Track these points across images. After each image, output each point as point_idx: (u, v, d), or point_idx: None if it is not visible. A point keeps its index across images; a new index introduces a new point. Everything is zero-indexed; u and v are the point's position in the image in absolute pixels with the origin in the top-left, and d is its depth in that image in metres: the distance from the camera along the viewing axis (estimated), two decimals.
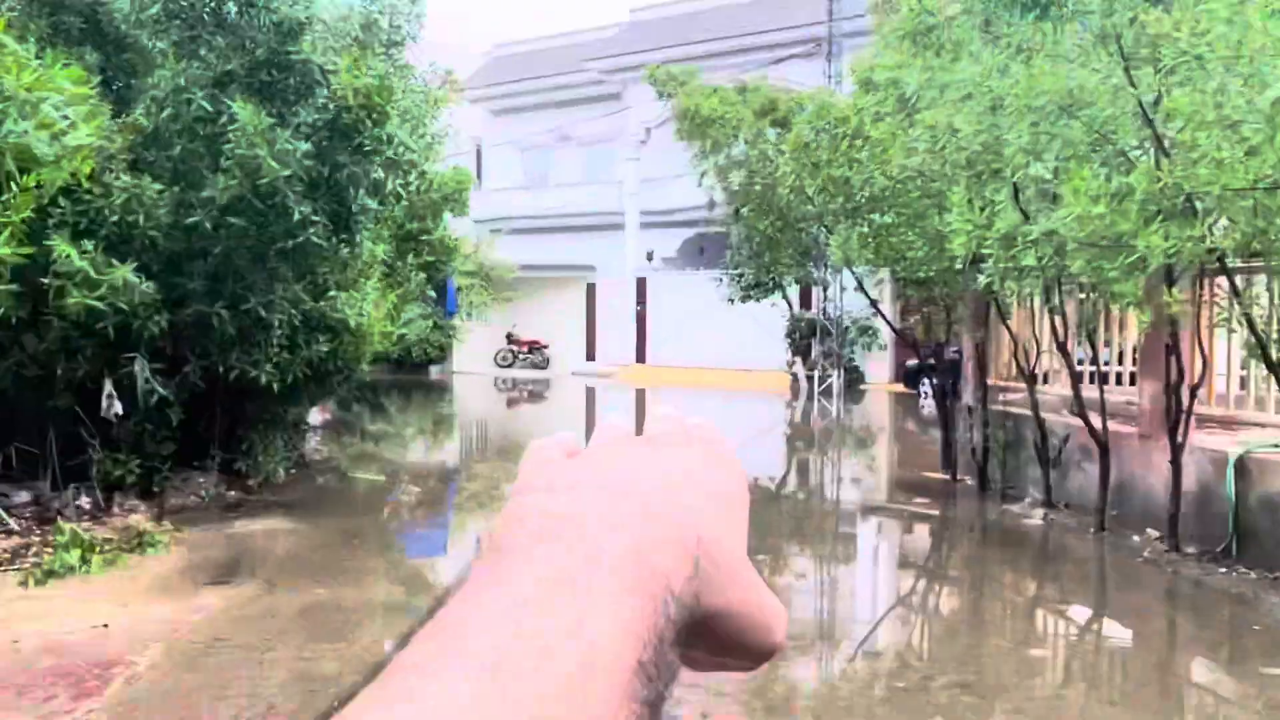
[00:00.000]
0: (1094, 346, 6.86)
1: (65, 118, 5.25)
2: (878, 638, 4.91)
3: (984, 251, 5.18)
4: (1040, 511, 7.57)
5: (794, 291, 23.83)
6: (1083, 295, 7.13)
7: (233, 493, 7.72)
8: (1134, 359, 7.38)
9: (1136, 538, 6.50)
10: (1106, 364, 7.73)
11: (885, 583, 6.22)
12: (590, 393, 22.77)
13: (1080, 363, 7.64)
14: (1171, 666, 4.49)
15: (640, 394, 22.32)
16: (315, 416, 12.58)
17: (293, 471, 9.08)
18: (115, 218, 6.30)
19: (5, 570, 5.36)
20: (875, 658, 4.57)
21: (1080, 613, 5.20)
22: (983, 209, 5.01)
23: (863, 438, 14.72)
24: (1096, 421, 6.77)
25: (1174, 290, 4.81)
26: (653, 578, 0.30)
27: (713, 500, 0.35)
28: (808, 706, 3.83)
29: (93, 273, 5.91)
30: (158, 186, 6.58)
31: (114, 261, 6.14)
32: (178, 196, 6.71)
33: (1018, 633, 5.00)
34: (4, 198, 4.82)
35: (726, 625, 0.32)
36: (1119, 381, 7.80)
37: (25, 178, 4.81)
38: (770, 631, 0.34)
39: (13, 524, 6.02)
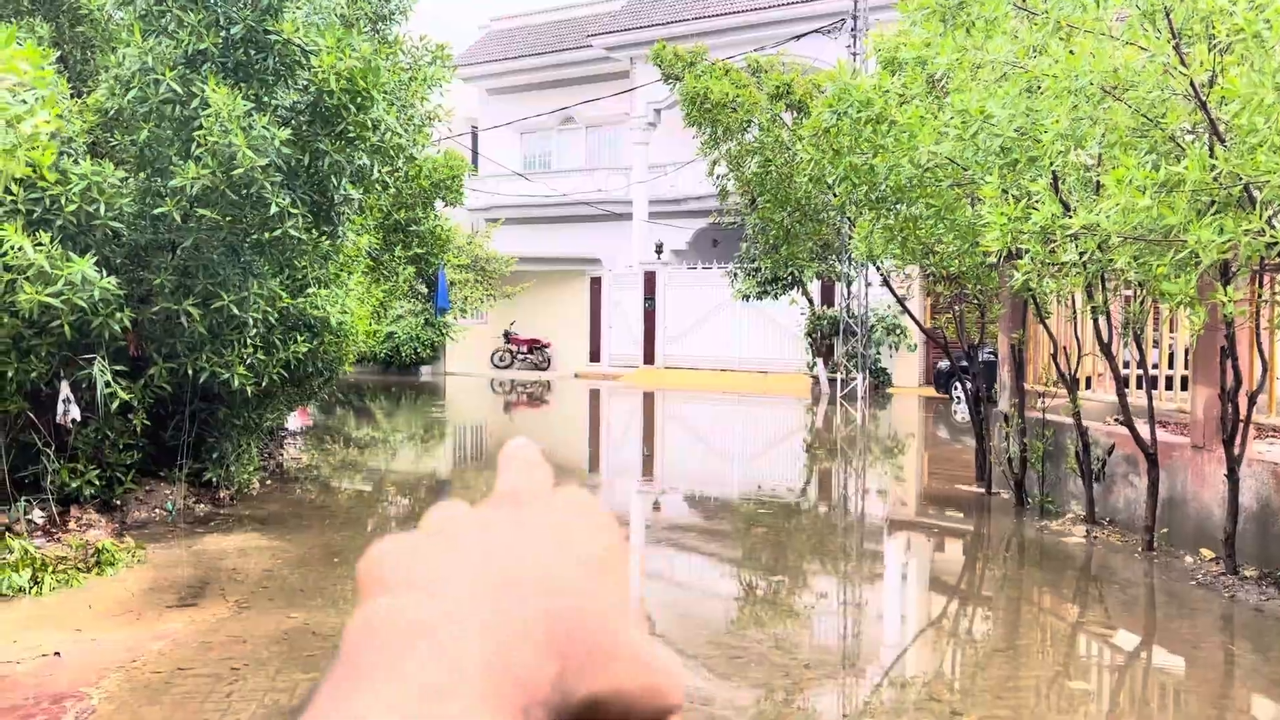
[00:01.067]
0: (1141, 349, 6.79)
1: (23, 101, 5.21)
2: (902, 666, 4.84)
3: (1020, 246, 5.11)
4: (1082, 529, 7.50)
5: (815, 287, 23.77)
6: (1129, 293, 7.06)
7: (202, 505, 7.70)
8: (1185, 362, 7.30)
9: (1189, 558, 6.42)
10: (1155, 368, 7.65)
11: (911, 605, 6.16)
12: (595, 396, 22.73)
13: (1126, 366, 7.57)
14: (1228, 701, 4.41)
15: (649, 397, 22.27)
16: (294, 422, 12.56)
17: (269, 482, 9.06)
18: (73, 207, 6.27)
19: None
20: (899, 688, 4.51)
21: (1127, 641, 5.13)
22: (1018, 200, 4.94)
23: (889, 446, 14.65)
24: (1144, 430, 6.70)
25: (1229, 288, 4.74)
26: (515, 690, 0.29)
27: (583, 568, 0.34)
28: None
29: (48, 266, 5.88)
30: (121, 174, 6.55)
31: (72, 255, 6.11)
32: (143, 185, 6.68)
33: (1057, 663, 4.93)
34: None
35: (611, 705, 0.32)
36: (1169, 386, 7.72)
37: None
38: (663, 695, 0.33)
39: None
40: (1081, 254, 4.76)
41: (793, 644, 5.08)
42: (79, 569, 5.71)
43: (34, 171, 5.50)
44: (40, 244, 5.96)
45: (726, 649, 4.99)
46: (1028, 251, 5.05)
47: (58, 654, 4.42)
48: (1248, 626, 5.37)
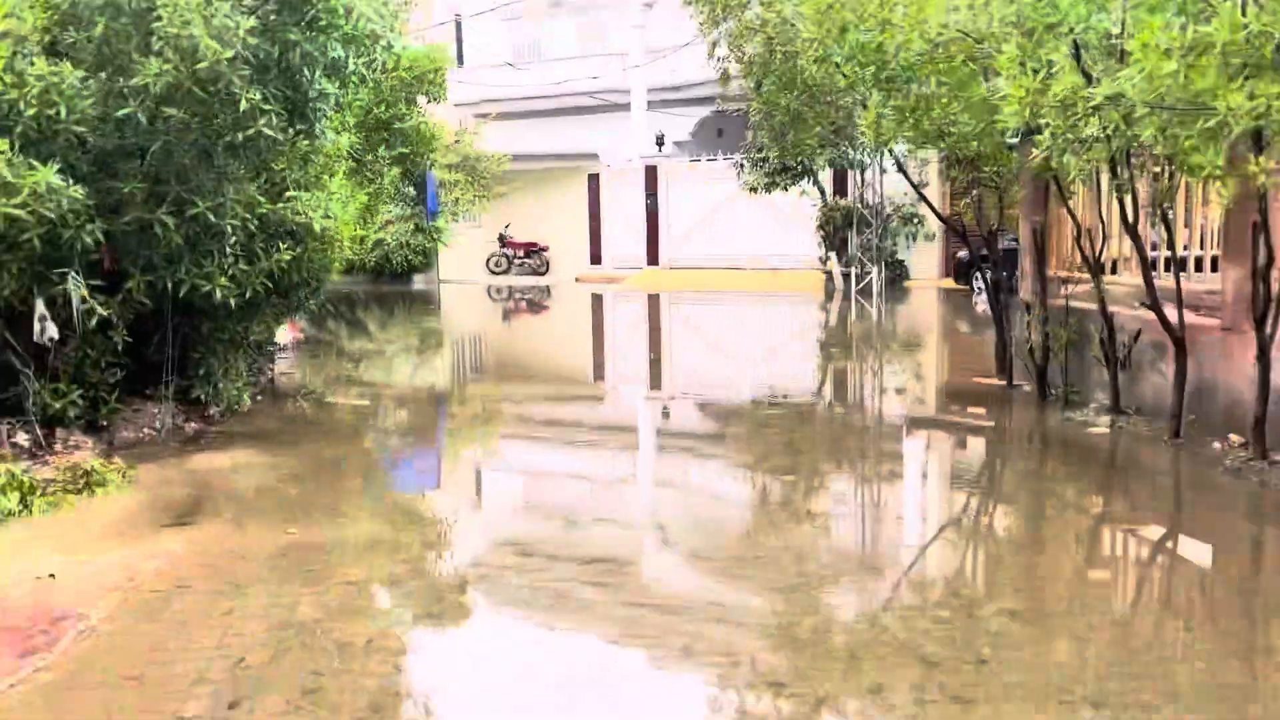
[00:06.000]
0: (1169, 229, 6.76)
1: None
2: (920, 564, 4.96)
3: (1039, 122, 5.06)
4: (1107, 418, 7.57)
5: (826, 176, 23.55)
6: (1157, 169, 7.00)
7: (191, 424, 7.80)
8: (1216, 242, 7.27)
9: (1217, 445, 6.50)
10: (1185, 248, 7.62)
11: (928, 504, 6.27)
12: (597, 301, 22.75)
13: (1155, 248, 7.55)
14: (1257, 588, 4.51)
15: (654, 300, 22.28)
16: (284, 335, 12.62)
17: (260, 398, 9.16)
18: (32, 111, 6.22)
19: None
20: (917, 585, 4.62)
21: (1152, 530, 5.23)
22: (1036, 72, 4.87)
23: (907, 341, 14.70)
24: (1172, 314, 6.71)
25: (1261, 158, 4.70)
26: None
27: None
28: (838, 639, 3.88)
29: (9, 176, 5.86)
30: (80, 74, 6.47)
31: (34, 163, 6.08)
32: (105, 85, 6.61)
33: (1080, 555, 5.03)
34: None
35: None
36: (1199, 268, 7.71)
37: None
38: None
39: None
40: (1104, 126, 4.72)
41: (809, 547, 5.19)
42: (68, 491, 5.82)
43: None
44: (0, 152, 5.93)
45: (740, 556, 5.10)
46: (1047, 126, 5.00)
47: (52, 576, 4.54)
48: (1278, 511, 5.46)
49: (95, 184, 6.72)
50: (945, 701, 3.25)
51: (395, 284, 27.35)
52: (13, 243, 6.31)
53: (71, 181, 6.30)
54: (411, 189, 19.48)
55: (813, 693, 3.38)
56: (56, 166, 6.18)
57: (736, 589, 4.59)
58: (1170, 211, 6.81)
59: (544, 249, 29.20)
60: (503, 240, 29.14)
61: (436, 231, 25.36)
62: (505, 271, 29.15)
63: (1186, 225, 7.71)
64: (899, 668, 3.52)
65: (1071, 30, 4.91)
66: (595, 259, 29.22)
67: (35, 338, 6.65)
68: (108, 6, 6.45)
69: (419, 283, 28.12)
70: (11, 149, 6.07)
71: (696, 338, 16.90)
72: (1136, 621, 4.13)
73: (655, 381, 11.84)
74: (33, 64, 6.31)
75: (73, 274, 6.59)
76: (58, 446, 6.72)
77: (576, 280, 27.91)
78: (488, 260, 29.23)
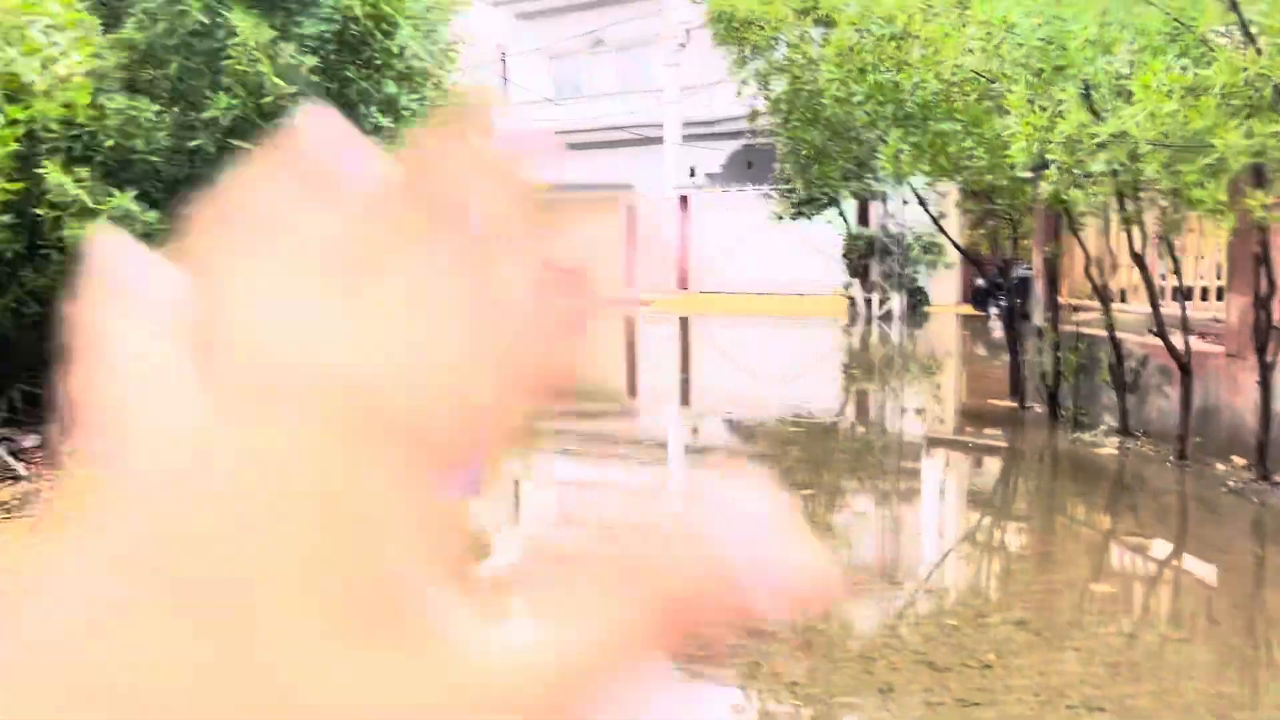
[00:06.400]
0: (1175, 259, 6.75)
1: (56, 43, 5.32)
2: (932, 575, 4.97)
3: (1047, 157, 5.09)
4: (1115, 440, 7.54)
5: (850, 207, 23.56)
6: (1164, 203, 6.99)
7: None
8: (1218, 272, 7.25)
9: (1221, 466, 6.46)
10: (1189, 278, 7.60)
11: (941, 519, 6.27)
12: (629, 322, 22.84)
13: (1163, 278, 7.53)
14: (1258, 604, 4.50)
15: (684, 323, 22.36)
16: None
17: None
18: (111, 142, 6.41)
19: (15, 517, 5.59)
20: (928, 595, 4.64)
21: (1156, 547, 5.22)
22: (1045, 110, 4.91)
23: (926, 365, 14.67)
24: (1178, 341, 6.69)
25: (1260, 193, 4.70)
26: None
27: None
28: (852, 644, 3.91)
29: (90, 202, 6.04)
30: (155, 108, 6.66)
31: (112, 190, 6.26)
32: (178, 118, 6.80)
33: (1086, 569, 5.03)
34: None
35: None
36: (1204, 297, 7.68)
37: (12, 108, 4.91)
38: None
39: (21, 470, 6.26)
40: (1110, 162, 4.74)
41: (827, 558, 5.21)
42: None
43: (70, 110, 5.63)
44: (81, 180, 6.11)
45: None
46: (1054, 162, 5.03)
47: None
48: (1279, 531, 5.43)
49: (166, 209, 6.90)
50: (951, 704, 3.28)
51: None
52: None
53: (147, 207, 6.47)
54: None
55: (825, 693, 3.42)
56: (133, 193, 6.35)
57: None
58: (1175, 243, 6.80)
59: None
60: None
61: None
62: None
63: (1199, 256, 7.68)
64: (908, 671, 3.55)
65: (1079, 71, 4.95)
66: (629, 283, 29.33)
67: None
68: (182, 46, 6.64)
69: None
70: (92, 177, 6.25)
71: (724, 358, 16.94)
72: (1139, 632, 4.13)
73: (685, 399, 11.89)
74: (113, 99, 6.51)
75: None
76: None
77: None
78: None
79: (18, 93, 5.03)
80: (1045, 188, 5.48)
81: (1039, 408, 8.97)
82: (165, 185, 7.02)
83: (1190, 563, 4.94)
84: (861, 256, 23.53)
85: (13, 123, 4.98)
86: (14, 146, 5.02)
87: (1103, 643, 3.88)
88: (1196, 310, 7.30)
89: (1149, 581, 4.86)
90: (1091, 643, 3.87)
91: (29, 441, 6.80)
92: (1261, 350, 5.91)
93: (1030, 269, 10.70)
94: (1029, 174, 7.59)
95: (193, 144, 6.64)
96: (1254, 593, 4.66)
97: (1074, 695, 3.34)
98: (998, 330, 15.08)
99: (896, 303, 21.85)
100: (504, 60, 32.13)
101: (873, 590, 4.64)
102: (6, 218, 5.49)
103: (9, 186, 5.10)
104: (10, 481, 6.18)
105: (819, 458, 7.89)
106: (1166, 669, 3.67)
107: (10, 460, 6.31)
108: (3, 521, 5.54)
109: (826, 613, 4.25)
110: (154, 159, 6.63)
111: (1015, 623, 4.06)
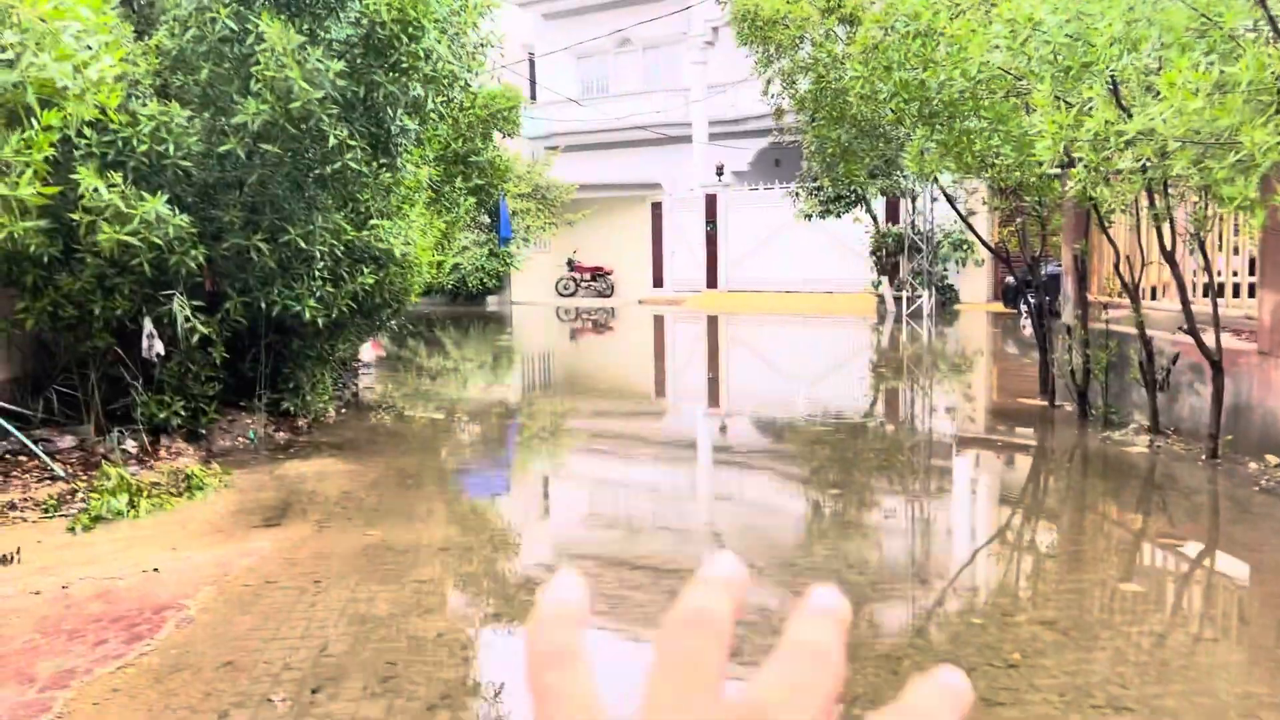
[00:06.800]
0: (1206, 256, 6.69)
1: (88, 47, 5.41)
2: (960, 574, 4.96)
3: (1074, 155, 5.06)
4: (1145, 438, 7.48)
5: (879, 204, 23.46)
6: (1196, 199, 6.93)
7: (281, 434, 8.04)
8: (1252, 269, 7.17)
9: (1254, 464, 6.40)
10: (1221, 274, 7.52)
11: (969, 519, 6.25)
12: (659, 322, 22.86)
13: (1195, 274, 7.46)
14: None
15: (713, 321, 22.34)
16: (368, 353, 12.91)
17: (344, 411, 9.40)
18: (144, 148, 6.51)
19: (52, 516, 5.70)
20: (956, 594, 4.63)
21: (1188, 546, 5.17)
22: (1071, 107, 4.88)
23: (955, 363, 14.58)
24: (1210, 339, 6.63)
25: None
26: None
27: None
28: (879, 643, 3.92)
29: (123, 206, 6.13)
30: (186, 113, 6.76)
31: (145, 194, 6.36)
32: (208, 123, 6.89)
33: (1115, 568, 5.00)
34: (25, 135, 5.02)
35: None
36: (1236, 294, 7.60)
37: (46, 113, 5.00)
38: None
39: (58, 469, 6.38)
40: (1138, 159, 4.71)
41: (858, 558, 5.22)
42: (171, 493, 6.06)
43: (102, 115, 5.72)
44: (114, 185, 6.21)
45: (793, 566, 5.14)
46: (1080, 160, 5.00)
47: (156, 570, 4.74)
48: None
49: (198, 213, 7.00)
50: (975, 704, 3.27)
51: (470, 305, 27.74)
52: (124, 266, 6.60)
53: (177, 211, 6.57)
54: (486, 217, 19.82)
55: (847, 693, 3.42)
56: (165, 197, 6.45)
57: (783, 596, 4.64)
58: (1206, 239, 6.74)
59: (609, 272, 29.42)
60: (571, 265, 29.41)
61: (509, 256, 25.71)
62: (573, 294, 29.41)
63: (1238, 252, 7.59)
64: (932, 668, 3.55)
65: (1106, 68, 4.92)
66: (657, 282, 29.36)
67: (144, 353, 6.93)
68: (211, 53, 6.72)
69: (492, 304, 28.49)
70: (125, 182, 6.35)
71: (753, 357, 16.92)
72: (1168, 632, 4.10)
73: (713, 398, 11.90)
74: (145, 105, 6.60)
75: (178, 295, 6.86)
76: (161, 453, 6.99)
77: (640, 302, 28.06)
78: (557, 283, 29.52)
79: (51, 98, 5.13)
80: (1072, 185, 5.45)
81: (1069, 406, 8.91)
82: (196, 189, 7.11)
83: (1221, 561, 4.90)
84: (890, 254, 23.42)
85: (47, 128, 5.07)
86: (49, 151, 5.11)
87: (1131, 642, 3.86)
88: (1229, 308, 7.23)
89: (1179, 581, 4.82)
90: (1120, 642, 3.85)
91: (65, 442, 6.93)
92: None
93: (1060, 266, 10.62)
94: (1056, 171, 7.55)
95: (223, 149, 6.72)
96: None
97: (1100, 695, 3.32)
98: (1028, 328, 14.96)
99: (926, 300, 21.72)
100: (531, 61, 32.22)
101: (901, 590, 4.64)
102: (43, 222, 5.58)
103: (45, 191, 5.19)
104: (48, 481, 6.30)
105: (848, 457, 7.88)
106: (1195, 669, 3.64)
107: (48, 460, 6.43)
108: (43, 521, 5.65)
109: (853, 610, 4.25)
110: (185, 164, 6.72)
111: (1043, 622, 4.04)
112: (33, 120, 5.03)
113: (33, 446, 6.49)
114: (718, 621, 0.34)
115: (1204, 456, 6.74)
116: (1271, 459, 6.31)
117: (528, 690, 0.34)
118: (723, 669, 0.33)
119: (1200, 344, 6.65)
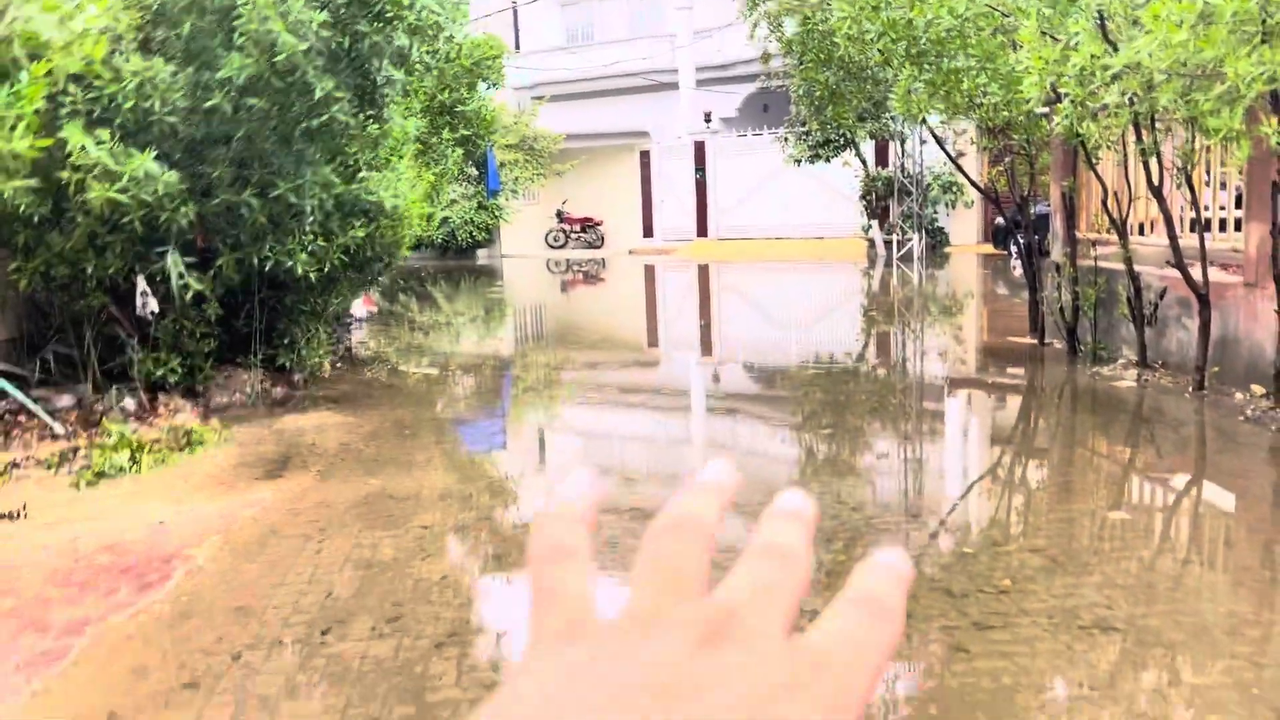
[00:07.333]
0: (1193, 190, 6.73)
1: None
2: (953, 509, 5.06)
3: (1061, 91, 5.08)
4: (1134, 373, 7.58)
5: (868, 148, 23.38)
6: (1183, 132, 6.95)
7: (278, 389, 8.09)
8: (1238, 202, 7.21)
9: (1240, 395, 6.50)
10: (1208, 209, 7.56)
11: (961, 456, 6.35)
12: (650, 272, 22.86)
13: (1183, 209, 7.50)
14: (1276, 528, 4.56)
15: (704, 270, 22.35)
16: (360, 309, 12.93)
17: (339, 366, 9.45)
18: (129, 104, 6.47)
19: (56, 473, 5.76)
20: (947, 527, 4.73)
21: (1174, 476, 5.28)
22: (1058, 42, 4.89)
23: (945, 305, 14.65)
24: (1197, 273, 6.70)
25: (1275, 120, 4.69)
26: None
27: None
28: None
29: (112, 164, 6.12)
30: (171, 68, 6.71)
31: (133, 151, 6.34)
32: (193, 78, 6.84)
33: (1103, 498, 5.10)
34: (15, 88, 5.01)
35: None
36: (1223, 228, 7.65)
37: (35, 65, 4.98)
38: None
39: (58, 427, 6.43)
40: (1124, 94, 4.73)
41: (852, 495, 5.31)
42: (171, 449, 6.12)
43: (88, 68, 5.70)
44: (101, 142, 6.19)
45: None
46: (1067, 95, 5.02)
47: (162, 522, 4.82)
48: None
49: (187, 169, 6.98)
50: (967, 627, 3.38)
51: (461, 259, 27.67)
52: (116, 224, 6.59)
53: (166, 168, 6.55)
54: (474, 169, 19.72)
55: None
56: (153, 154, 6.43)
57: None
58: (1193, 173, 6.77)
59: (599, 223, 29.33)
60: (560, 216, 29.31)
61: (498, 209, 25.62)
62: (563, 246, 29.34)
63: (1225, 186, 7.63)
64: (925, 599, 3.65)
65: (1093, 2, 4.92)
66: (647, 232, 29.30)
67: (138, 311, 6.95)
68: (193, 6, 6.67)
69: (483, 257, 28.42)
70: (113, 139, 6.33)
71: (744, 304, 16.97)
72: (1155, 557, 4.21)
73: (706, 347, 11.96)
74: (129, 60, 6.56)
75: (170, 252, 6.87)
76: (160, 410, 7.04)
77: (630, 252, 28.03)
78: (547, 235, 29.44)
79: (38, 50, 5.10)
80: (1059, 122, 5.47)
81: (1058, 343, 8.99)
82: (184, 146, 7.08)
83: (1208, 490, 5.01)
84: (880, 198, 23.39)
85: (36, 80, 5.06)
86: (40, 103, 5.09)
87: (1119, 568, 3.97)
88: (1216, 242, 7.29)
89: (1166, 509, 4.93)
90: (1108, 568, 3.96)
91: (64, 401, 6.97)
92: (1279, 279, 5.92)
93: (1049, 205, 10.65)
94: (1044, 110, 7.56)
95: (208, 104, 6.69)
96: (1271, 516, 4.73)
97: (1087, 617, 3.43)
98: (1018, 268, 15.01)
99: (916, 243, 21.74)
100: (515, 9, 31.84)
101: (894, 525, 4.74)
102: (32, 181, 5.58)
103: (40, 144, 5.19)
104: (49, 439, 6.36)
105: (841, 400, 7.96)
106: (1181, 591, 3.75)
107: (48, 419, 6.48)
108: (47, 478, 5.72)
109: (847, 547, 4.35)
110: (171, 119, 6.69)
111: (1032, 550, 4.15)
112: (22, 74, 5.01)
113: (32, 405, 6.53)
114: (702, 526, 0.36)
115: (1191, 389, 6.83)
116: (1257, 389, 6.41)
117: (527, 583, 0.36)
118: (704, 573, 0.34)
119: (1187, 278, 6.71)
